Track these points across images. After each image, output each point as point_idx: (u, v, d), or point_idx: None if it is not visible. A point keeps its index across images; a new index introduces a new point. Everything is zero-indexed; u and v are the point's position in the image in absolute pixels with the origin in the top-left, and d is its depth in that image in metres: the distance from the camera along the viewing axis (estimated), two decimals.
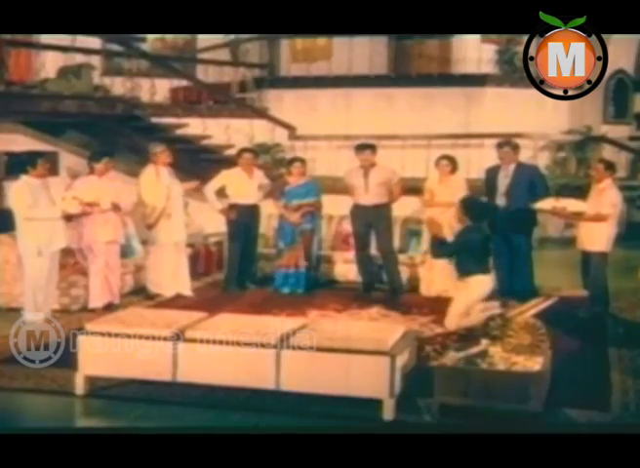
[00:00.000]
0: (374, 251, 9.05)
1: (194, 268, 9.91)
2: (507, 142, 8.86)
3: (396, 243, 9.30)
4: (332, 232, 9.87)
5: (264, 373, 5.51)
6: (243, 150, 9.36)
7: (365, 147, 8.91)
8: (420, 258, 9.19)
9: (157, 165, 8.72)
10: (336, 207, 9.60)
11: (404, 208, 10.63)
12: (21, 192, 7.47)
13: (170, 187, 8.69)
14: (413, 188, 10.79)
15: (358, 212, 8.89)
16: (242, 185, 9.04)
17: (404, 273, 9.23)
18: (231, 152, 10.76)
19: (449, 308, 7.31)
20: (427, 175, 9.94)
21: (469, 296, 7.18)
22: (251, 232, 9.16)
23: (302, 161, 9.31)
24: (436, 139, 11.73)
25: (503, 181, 8.62)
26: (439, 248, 7.56)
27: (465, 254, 7.23)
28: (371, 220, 8.84)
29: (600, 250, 7.84)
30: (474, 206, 7.46)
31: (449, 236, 8.67)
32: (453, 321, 7.23)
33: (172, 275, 8.79)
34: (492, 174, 8.79)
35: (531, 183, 8.48)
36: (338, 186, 9.58)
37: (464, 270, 7.22)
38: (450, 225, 8.71)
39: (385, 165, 9.06)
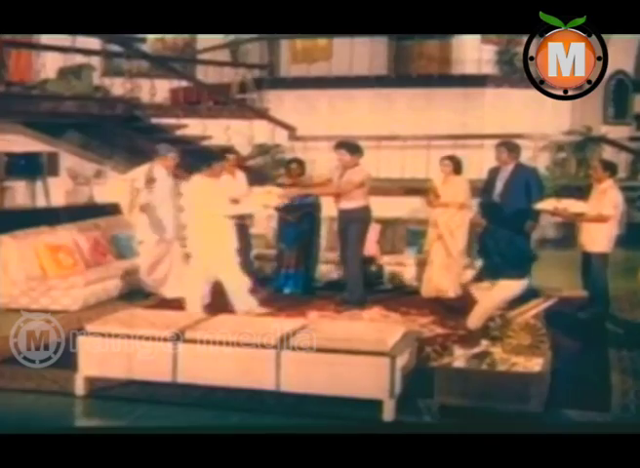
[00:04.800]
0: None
1: None
2: (504, 143, 8.85)
3: (401, 243, 9.20)
4: (331, 233, 9.86)
5: (264, 374, 5.51)
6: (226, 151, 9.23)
7: (338, 146, 8.49)
8: (421, 259, 9.19)
9: (155, 165, 8.73)
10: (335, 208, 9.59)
11: (405, 208, 10.69)
12: (198, 189, 7.54)
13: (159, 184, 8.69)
14: (413, 189, 10.82)
15: (338, 215, 8.57)
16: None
17: (405, 273, 9.26)
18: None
19: (474, 308, 7.24)
20: (427, 176, 9.93)
21: (495, 298, 7.13)
22: (245, 232, 9.08)
23: (300, 162, 9.30)
24: (436, 140, 11.73)
25: (500, 182, 8.63)
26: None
27: (492, 258, 7.24)
28: (343, 224, 8.47)
29: (601, 250, 7.84)
30: (490, 207, 7.52)
31: (451, 236, 8.72)
32: (475, 321, 7.12)
33: (166, 275, 8.78)
34: (492, 174, 8.80)
35: (526, 185, 8.47)
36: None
37: (496, 275, 7.20)
38: (450, 226, 8.76)
39: (360, 168, 8.41)
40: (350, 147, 8.43)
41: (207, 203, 7.47)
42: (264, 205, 7.93)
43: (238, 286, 7.70)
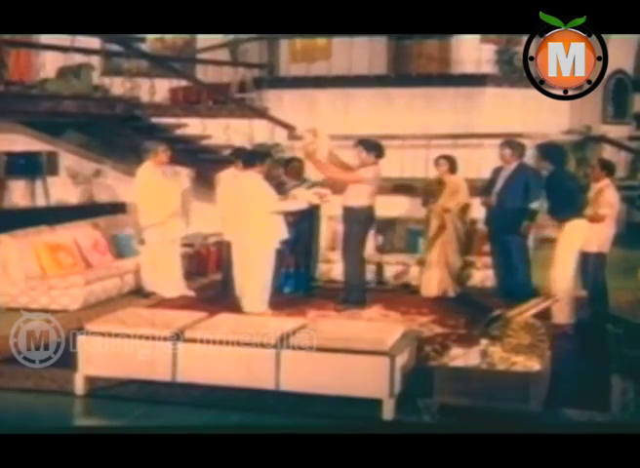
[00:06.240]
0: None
1: (194, 268, 9.91)
2: (507, 142, 8.89)
3: (401, 243, 9.19)
4: (331, 232, 9.87)
5: (264, 373, 5.51)
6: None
7: (357, 143, 8.55)
8: (421, 258, 9.19)
9: (155, 163, 8.75)
10: (335, 207, 9.58)
11: (404, 207, 10.69)
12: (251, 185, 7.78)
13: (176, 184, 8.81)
14: (412, 188, 10.81)
15: (342, 212, 8.58)
16: None
17: (405, 273, 9.26)
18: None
19: (554, 271, 7.31)
20: (427, 175, 9.92)
21: (573, 245, 7.16)
22: None
23: (300, 161, 9.30)
24: (436, 139, 11.72)
25: (501, 180, 8.67)
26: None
27: (558, 199, 7.29)
28: (346, 223, 8.49)
29: (598, 250, 7.84)
30: (552, 149, 7.66)
31: (449, 236, 8.71)
32: (567, 285, 7.14)
33: (166, 274, 8.79)
34: (495, 174, 8.83)
35: (526, 185, 8.48)
36: (337, 186, 9.55)
37: (561, 214, 7.26)
38: (448, 225, 8.76)
39: (374, 167, 8.42)
40: (368, 145, 8.43)
41: (257, 198, 7.68)
42: (310, 202, 8.17)
43: (261, 282, 7.76)
